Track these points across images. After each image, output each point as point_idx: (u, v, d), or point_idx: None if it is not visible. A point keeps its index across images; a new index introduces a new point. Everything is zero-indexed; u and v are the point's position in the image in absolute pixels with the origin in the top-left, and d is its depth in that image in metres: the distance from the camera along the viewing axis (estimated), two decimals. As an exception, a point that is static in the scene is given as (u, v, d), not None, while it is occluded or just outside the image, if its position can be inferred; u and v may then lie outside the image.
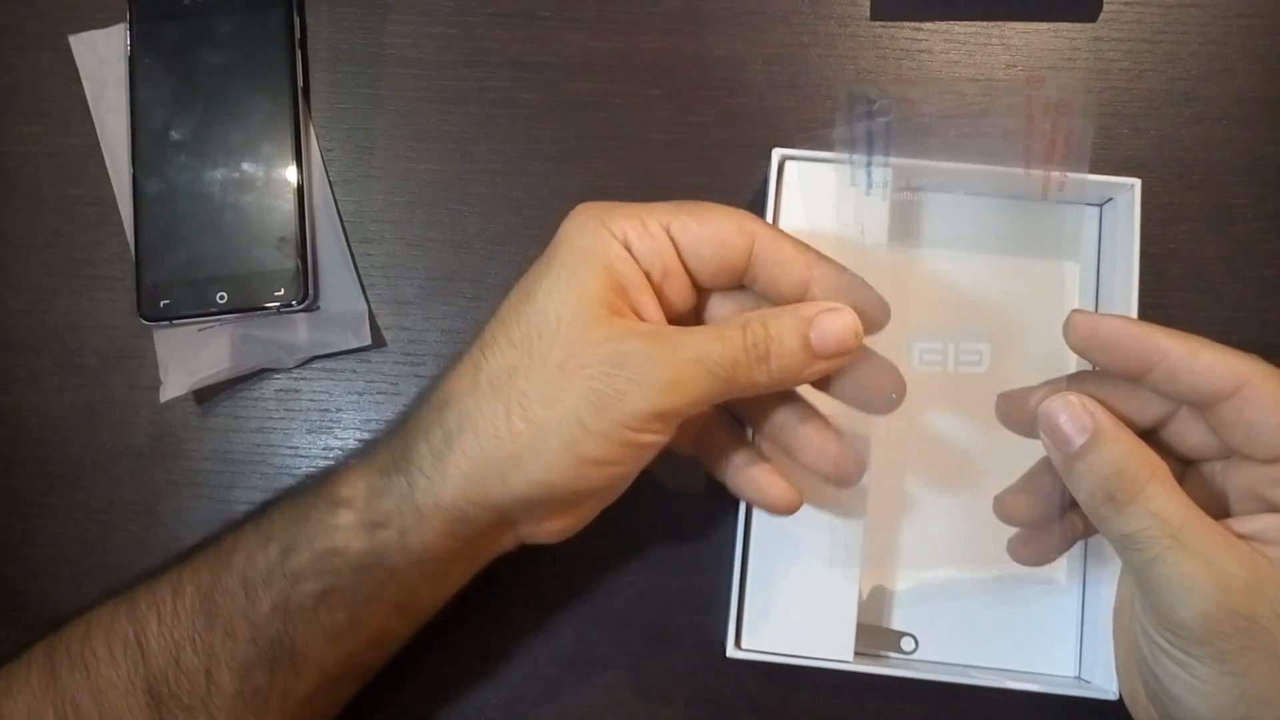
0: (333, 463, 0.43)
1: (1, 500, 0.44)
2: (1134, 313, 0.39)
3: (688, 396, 0.31)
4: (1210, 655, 0.28)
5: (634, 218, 0.33)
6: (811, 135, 0.35)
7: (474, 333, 0.43)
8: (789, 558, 0.38)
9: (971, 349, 0.35)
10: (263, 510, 0.35)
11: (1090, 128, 0.33)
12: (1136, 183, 0.39)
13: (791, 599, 0.38)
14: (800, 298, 0.33)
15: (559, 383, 0.31)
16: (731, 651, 0.38)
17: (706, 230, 0.33)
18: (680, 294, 0.34)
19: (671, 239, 0.33)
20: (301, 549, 0.33)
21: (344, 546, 0.33)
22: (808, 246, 0.34)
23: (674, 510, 0.42)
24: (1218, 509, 0.32)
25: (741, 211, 0.34)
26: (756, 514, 0.39)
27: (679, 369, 0.31)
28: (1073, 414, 0.30)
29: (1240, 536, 0.29)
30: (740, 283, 0.34)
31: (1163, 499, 0.29)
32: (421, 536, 0.32)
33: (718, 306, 0.35)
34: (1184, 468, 0.33)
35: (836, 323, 0.32)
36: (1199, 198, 0.44)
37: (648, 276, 0.33)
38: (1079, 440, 0.30)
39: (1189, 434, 0.32)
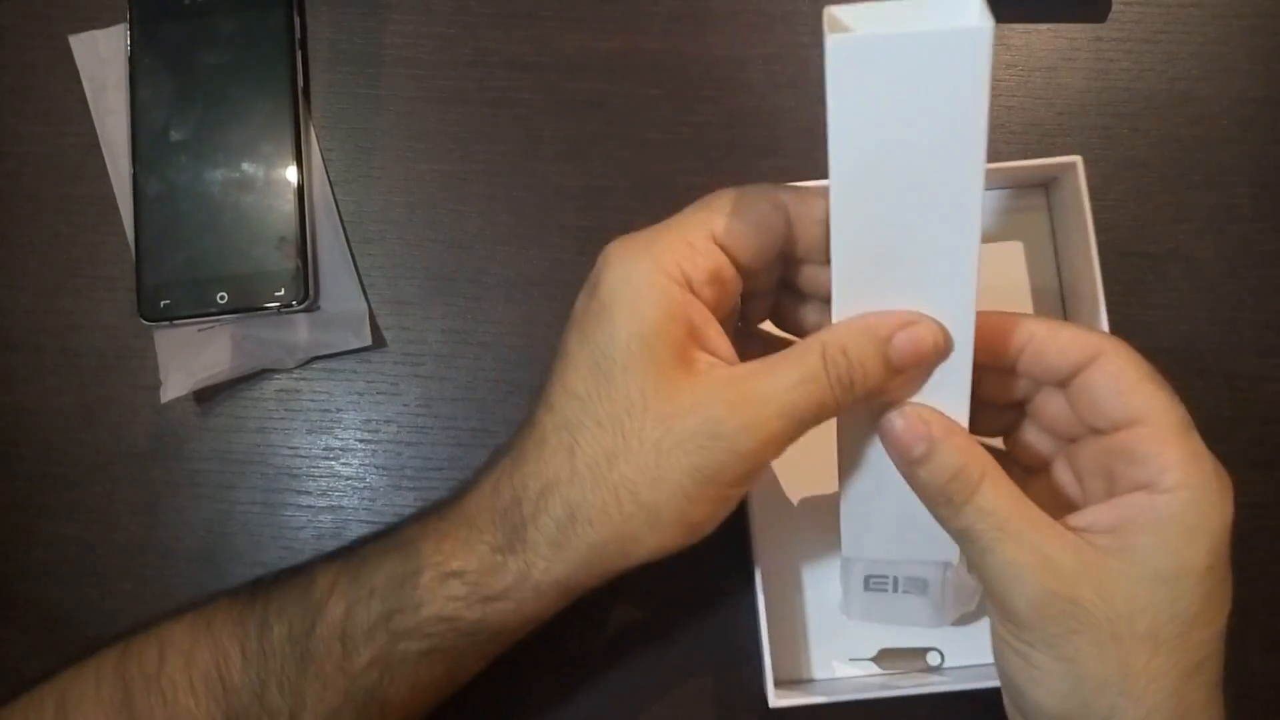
0: (419, 509, 0.38)
1: (1, 500, 0.43)
2: (1099, 289, 0.39)
3: (781, 444, 0.32)
4: (1042, 640, 0.29)
5: (681, 243, 0.32)
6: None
7: (473, 333, 0.44)
8: (804, 594, 0.40)
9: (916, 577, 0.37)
10: (354, 550, 0.35)
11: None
12: (1077, 159, 0.39)
13: (811, 632, 0.40)
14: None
15: (660, 463, 0.31)
16: (774, 701, 0.37)
17: (749, 223, 0.32)
18: (732, 289, 0.33)
19: (719, 244, 0.32)
20: (409, 613, 0.33)
21: (455, 616, 0.33)
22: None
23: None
24: (1068, 506, 0.33)
25: (762, 186, 0.33)
26: (763, 550, 0.39)
27: (770, 426, 0.31)
28: (909, 425, 0.31)
29: (1073, 529, 0.30)
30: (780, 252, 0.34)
31: (992, 495, 0.30)
32: (538, 605, 0.33)
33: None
34: (1028, 474, 0.35)
35: (914, 336, 0.31)
36: (1199, 198, 0.44)
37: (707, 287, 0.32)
38: (918, 449, 0.31)
39: (1048, 406, 0.33)
